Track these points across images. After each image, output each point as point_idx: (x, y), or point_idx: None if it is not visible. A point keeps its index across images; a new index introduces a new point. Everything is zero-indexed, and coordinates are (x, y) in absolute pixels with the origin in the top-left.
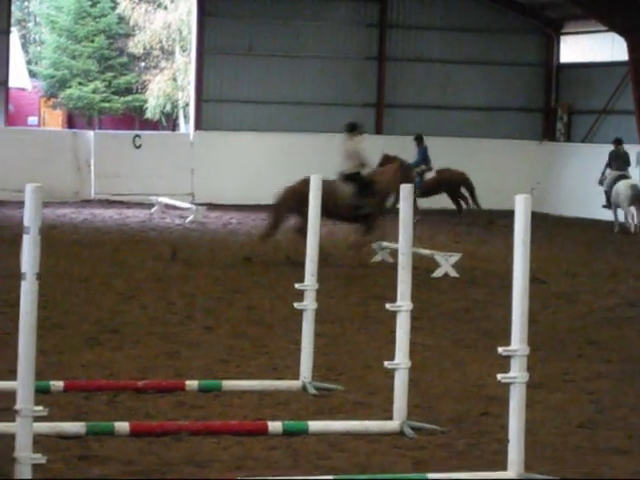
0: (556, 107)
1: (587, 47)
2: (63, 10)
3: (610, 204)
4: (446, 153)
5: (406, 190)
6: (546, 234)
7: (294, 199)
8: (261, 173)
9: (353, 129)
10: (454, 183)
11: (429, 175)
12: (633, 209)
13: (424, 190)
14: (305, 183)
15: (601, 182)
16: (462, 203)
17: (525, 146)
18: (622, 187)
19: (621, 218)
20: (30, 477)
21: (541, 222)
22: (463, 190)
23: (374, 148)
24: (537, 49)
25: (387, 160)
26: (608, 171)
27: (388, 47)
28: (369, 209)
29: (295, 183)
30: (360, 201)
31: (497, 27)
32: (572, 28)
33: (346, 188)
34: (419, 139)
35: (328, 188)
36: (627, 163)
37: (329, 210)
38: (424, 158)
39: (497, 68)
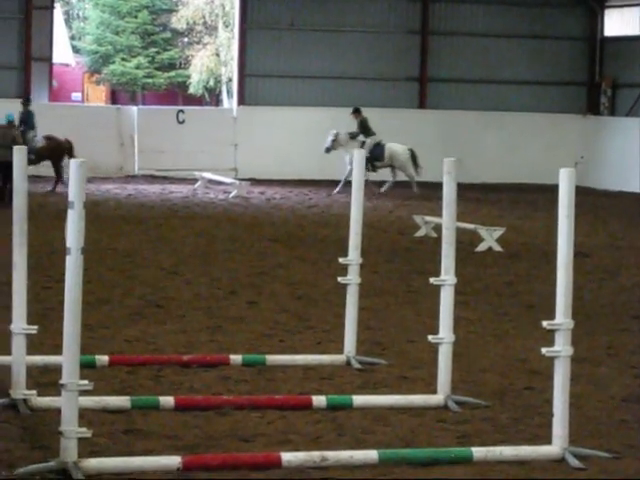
0: (600, 81)
1: (631, 20)
2: None
3: (374, 168)
4: (490, 127)
5: (450, 164)
6: (590, 208)
7: None
8: (304, 148)
9: None
10: (60, 151)
11: (39, 142)
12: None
13: (37, 156)
14: None
15: (328, 149)
16: (62, 173)
17: (569, 120)
18: (400, 149)
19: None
20: (75, 450)
21: (585, 196)
22: (67, 159)
23: (417, 123)
24: (581, 22)
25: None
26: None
27: (431, 21)
28: None
29: None
30: None
31: (541, 0)
32: (616, 1)
33: None
34: (25, 101)
35: None
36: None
37: None
38: (28, 121)
39: (541, 42)
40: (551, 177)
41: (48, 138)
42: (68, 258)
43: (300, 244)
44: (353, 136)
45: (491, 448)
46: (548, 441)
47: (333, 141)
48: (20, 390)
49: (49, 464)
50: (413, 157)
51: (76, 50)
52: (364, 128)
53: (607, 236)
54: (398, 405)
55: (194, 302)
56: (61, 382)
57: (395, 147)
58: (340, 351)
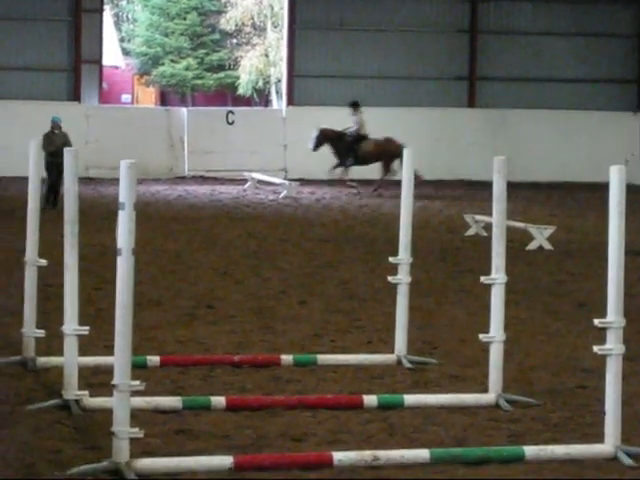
0: None
1: None
2: None
3: None
4: (539, 126)
5: (499, 163)
6: None
7: None
8: None
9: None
10: None
11: None
12: None
13: None
14: None
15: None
16: None
17: (619, 117)
18: None
19: None
20: (128, 451)
21: (635, 194)
22: None
23: (467, 121)
24: (630, 19)
25: None
26: None
27: (480, 20)
28: None
29: None
30: None
31: None
32: None
33: None
34: None
35: None
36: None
37: None
38: None
39: (590, 39)
40: (601, 175)
41: None
42: (119, 259)
43: (350, 244)
44: None
45: (543, 447)
46: (600, 440)
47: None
48: (72, 391)
49: (102, 464)
50: None
51: (126, 52)
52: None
53: None
54: (449, 404)
55: (245, 302)
56: (113, 383)
57: None
58: (391, 350)
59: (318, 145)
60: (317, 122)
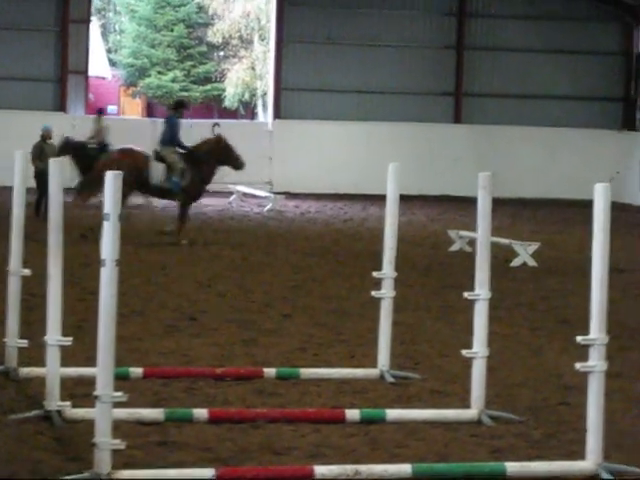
0: (636, 96)
1: None
2: None
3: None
4: (525, 142)
5: (485, 179)
6: (625, 224)
7: None
8: (339, 162)
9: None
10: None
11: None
12: None
13: None
14: None
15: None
16: None
17: (604, 135)
18: None
19: None
20: (109, 462)
21: (620, 212)
22: None
23: (452, 137)
24: (617, 37)
25: None
26: None
27: (467, 36)
28: None
29: None
30: None
31: (576, 15)
32: None
33: None
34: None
35: None
36: None
37: None
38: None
39: (576, 57)
40: (586, 192)
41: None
42: (103, 270)
43: (334, 258)
44: None
45: (525, 463)
46: (582, 457)
47: None
48: (54, 401)
49: (83, 475)
50: None
51: (112, 63)
52: None
53: None
54: (432, 419)
55: (228, 315)
56: (95, 394)
57: None
58: (374, 365)
59: (60, 154)
60: (303, 135)
